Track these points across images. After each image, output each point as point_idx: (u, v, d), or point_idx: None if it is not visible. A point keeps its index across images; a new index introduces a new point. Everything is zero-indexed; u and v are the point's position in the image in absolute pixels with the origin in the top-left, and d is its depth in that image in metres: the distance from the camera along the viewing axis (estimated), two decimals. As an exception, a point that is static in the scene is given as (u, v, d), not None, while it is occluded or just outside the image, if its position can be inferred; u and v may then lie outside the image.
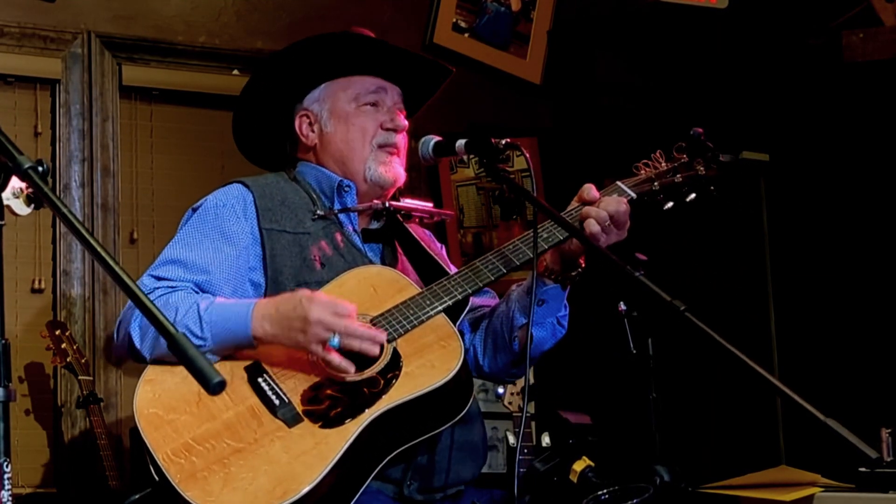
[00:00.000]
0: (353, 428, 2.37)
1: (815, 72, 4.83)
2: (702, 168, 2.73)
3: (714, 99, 5.06)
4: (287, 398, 2.43)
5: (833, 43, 4.62)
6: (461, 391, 2.49)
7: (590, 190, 2.67)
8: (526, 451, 3.88)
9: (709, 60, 5.14)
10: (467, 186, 5.17)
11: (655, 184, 2.71)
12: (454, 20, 5.14)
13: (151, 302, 1.65)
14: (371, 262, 2.70)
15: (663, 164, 2.76)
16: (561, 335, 2.75)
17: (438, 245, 2.96)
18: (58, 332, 4.11)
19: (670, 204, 2.74)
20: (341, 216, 2.74)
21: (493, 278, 2.60)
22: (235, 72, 4.79)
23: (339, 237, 2.70)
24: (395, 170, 2.76)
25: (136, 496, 2.53)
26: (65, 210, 1.73)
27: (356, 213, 2.75)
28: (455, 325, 2.54)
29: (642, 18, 5.14)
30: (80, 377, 4.08)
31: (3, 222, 1.92)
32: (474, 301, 2.77)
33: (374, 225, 2.81)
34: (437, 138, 2.74)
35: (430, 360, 2.46)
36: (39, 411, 4.33)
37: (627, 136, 5.17)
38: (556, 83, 5.33)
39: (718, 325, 2.12)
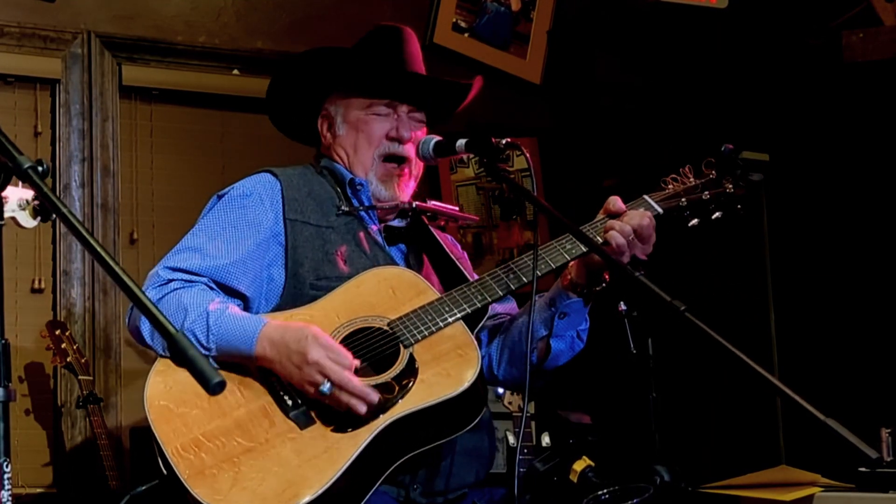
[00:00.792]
0: (365, 434, 2.36)
1: (815, 72, 4.83)
2: (730, 186, 2.70)
3: (714, 99, 5.06)
4: (300, 399, 2.42)
5: (833, 43, 4.62)
6: (475, 401, 2.47)
7: (615, 202, 2.64)
8: (526, 450, 3.88)
9: (709, 60, 5.14)
10: (467, 186, 5.17)
11: (683, 199, 2.68)
12: (454, 20, 5.14)
13: (152, 302, 1.65)
14: (392, 262, 2.68)
15: (692, 180, 2.71)
16: (579, 349, 2.73)
17: (460, 251, 2.94)
18: (58, 332, 4.11)
19: (695, 221, 2.71)
20: (364, 214, 2.72)
21: (512, 288, 2.58)
22: (235, 72, 4.79)
23: (362, 234, 2.68)
24: (395, 189, 2.74)
25: (143, 487, 2.53)
26: (65, 210, 1.72)
27: (376, 212, 2.74)
28: (473, 333, 2.52)
29: (642, 18, 5.14)
30: (80, 377, 4.08)
31: (2, 222, 1.92)
32: (495, 308, 2.76)
33: (398, 223, 2.79)
34: (438, 138, 2.74)
35: (447, 369, 2.44)
36: (39, 411, 4.33)
37: (627, 137, 5.17)
38: (555, 83, 5.33)
39: (718, 325, 2.12)
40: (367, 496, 2.38)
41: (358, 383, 2.36)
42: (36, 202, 2.43)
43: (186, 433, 2.38)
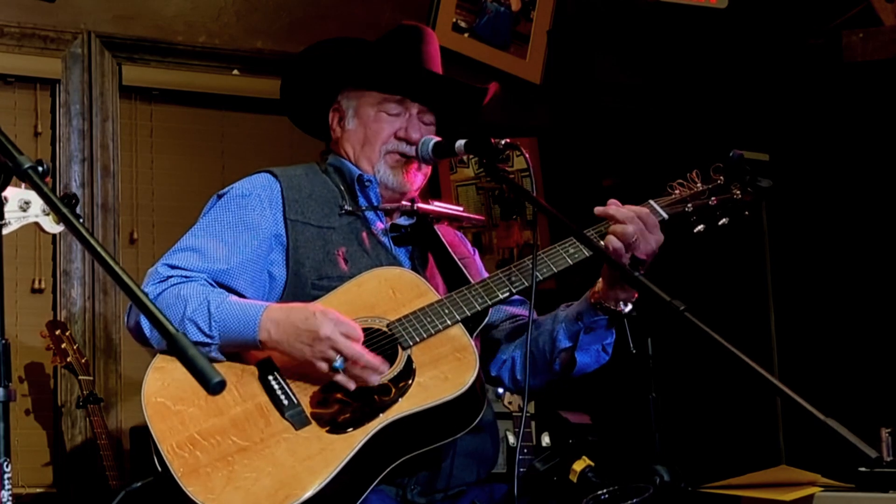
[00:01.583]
0: (360, 436, 2.36)
1: (815, 72, 4.83)
2: (738, 192, 2.65)
3: (714, 99, 5.06)
4: (296, 399, 2.42)
5: (833, 43, 4.62)
6: (473, 404, 2.46)
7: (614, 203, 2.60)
8: (526, 450, 3.89)
9: (709, 60, 5.14)
10: (467, 186, 5.17)
11: (689, 205, 2.64)
12: (454, 20, 5.14)
13: (152, 302, 1.65)
14: (394, 262, 2.66)
15: (699, 185, 2.67)
16: (605, 361, 2.70)
17: (471, 249, 2.93)
18: (58, 332, 4.11)
19: (701, 227, 2.66)
20: (369, 213, 2.72)
21: (513, 291, 2.57)
22: (235, 72, 4.79)
23: (364, 235, 2.67)
24: (405, 176, 2.72)
25: (138, 483, 2.53)
26: (65, 210, 1.72)
27: (382, 211, 2.73)
28: (472, 335, 2.51)
29: (642, 18, 5.15)
30: (80, 377, 4.08)
31: (3, 222, 1.92)
32: (512, 310, 2.75)
33: (403, 222, 2.77)
34: (437, 139, 2.73)
35: (444, 372, 2.43)
36: (39, 411, 4.33)
37: (627, 137, 5.17)
38: (555, 83, 5.33)
39: (718, 325, 2.12)
40: (362, 498, 2.37)
41: (369, 357, 2.36)
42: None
43: (182, 431, 2.37)
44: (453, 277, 2.69)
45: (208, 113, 4.79)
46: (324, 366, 2.37)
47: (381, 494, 2.45)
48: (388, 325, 2.49)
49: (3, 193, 1.85)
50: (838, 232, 4.82)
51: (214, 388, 1.58)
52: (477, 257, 2.92)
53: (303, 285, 2.57)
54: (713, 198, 2.66)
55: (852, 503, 3.03)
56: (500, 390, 4.07)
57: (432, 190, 4.98)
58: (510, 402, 4.09)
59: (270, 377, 2.44)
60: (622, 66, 5.34)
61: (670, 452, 3.85)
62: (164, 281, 2.53)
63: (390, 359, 2.46)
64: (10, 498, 1.81)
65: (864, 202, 4.77)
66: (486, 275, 2.74)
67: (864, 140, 4.77)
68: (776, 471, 3.38)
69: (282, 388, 2.43)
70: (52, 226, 2.93)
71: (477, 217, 3.16)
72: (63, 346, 4.08)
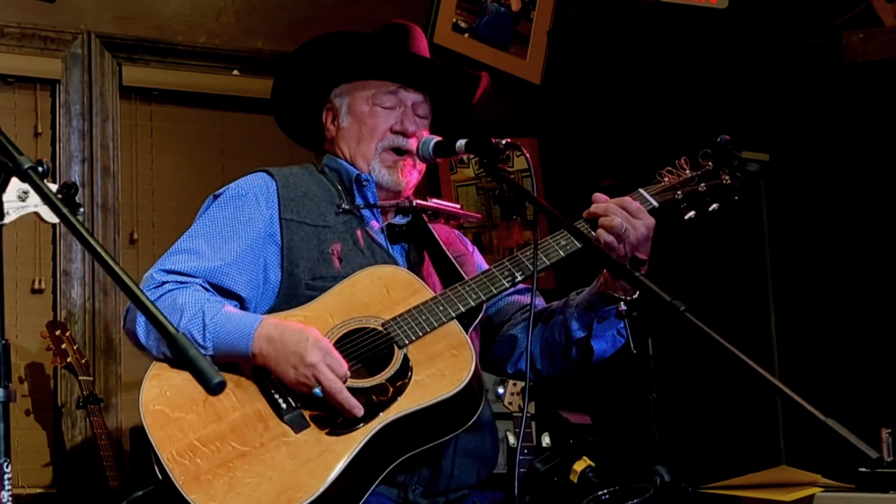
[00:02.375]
0: (359, 437, 2.36)
1: (815, 72, 4.83)
2: (727, 177, 2.66)
3: (714, 99, 5.06)
4: (294, 402, 2.42)
5: (833, 43, 4.62)
6: (471, 400, 2.46)
7: (599, 196, 2.60)
8: (526, 451, 3.88)
9: (709, 61, 5.14)
10: (467, 186, 5.17)
11: (679, 192, 2.64)
12: (454, 20, 5.14)
13: (152, 303, 1.65)
14: (390, 260, 2.66)
15: (687, 172, 2.67)
16: (621, 344, 2.70)
17: (470, 246, 2.92)
18: (58, 333, 4.11)
19: (692, 213, 2.66)
20: (365, 212, 2.71)
21: (508, 285, 2.56)
22: (235, 72, 4.79)
23: (360, 233, 2.66)
24: (400, 174, 2.72)
25: (140, 493, 2.53)
26: (65, 210, 1.72)
27: (380, 210, 2.73)
28: (468, 331, 2.51)
29: (642, 19, 5.14)
30: (80, 377, 4.08)
31: (3, 222, 1.92)
32: (521, 300, 2.74)
33: (399, 221, 2.77)
34: (437, 138, 2.73)
35: (441, 370, 2.43)
36: (40, 412, 4.33)
37: (627, 137, 5.17)
38: (555, 83, 5.33)
39: (718, 325, 2.12)
40: (364, 498, 2.37)
41: (346, 396, 2.36)
42: (59, 195, 2.44)
43: (182, 438, 2.37)
44: (449, 275, 2.69)
45: (208, 113, 4.79)
46: (304, 390, 2.38)
47: (382, 497, 2.45)
48: (383, 325, 2.49)
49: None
50: (838, 232, 4.82)
51: (215, 388, 1.58)
52: (476, 254, 2.92)
53: (297, 285, 2.57)
54: (702, 184, 2.66)
55: (852, 503, 3.03)
56: (501, 390, 4.07)
57: (433, 190, 4.98)
58: (510, 403, 4.09)
59: (268, 381, 2.44)
60: (622, 66, 5.34)
61: (670, 452, 3.84)
62: (160, 286, 2.52)
63: (386, 358, 2.46)
64: (10, 498, 1.81)
65: (865, 202, 4.77)
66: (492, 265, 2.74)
67: (864, 140, 4.76)
68: (776, 471, 3.38)
69: (279, 391, 2.43)
70: (51, 215, 2.93)
71: (474, 215, 3.16)
72: (63, 346, 4.08)
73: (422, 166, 2.78)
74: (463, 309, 2.51)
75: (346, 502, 2.35)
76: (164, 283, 2.53)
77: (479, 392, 2.49)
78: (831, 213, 4.84)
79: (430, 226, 2.78)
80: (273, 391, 2.43)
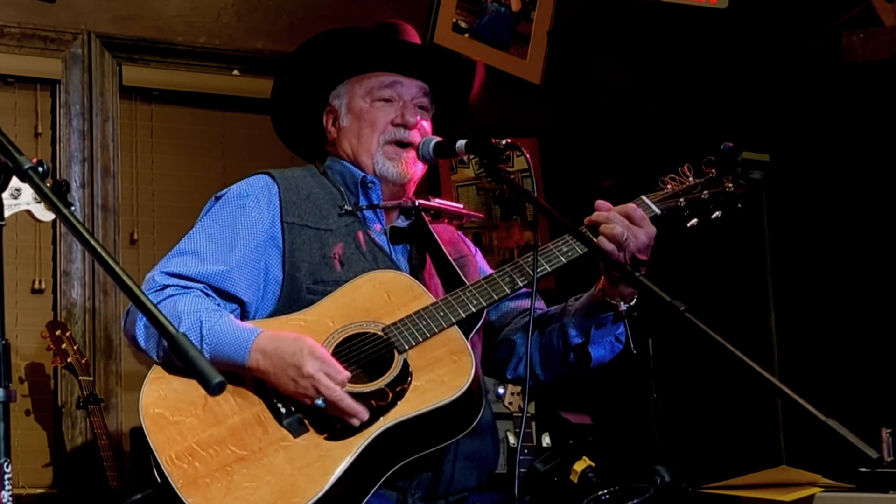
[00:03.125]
0: (358, 441, 2.36)
1: (815, 72, 4.83)
2: (730, 185, 2.65)
3: (714, 99, 5.06)
4: (293, 407, 2.41)
5: (833, 43, 4.62)
6: (470, 406, 2.45)
7: (602, 204, 2.59)
8: (526, 451, 3.88)
9: (709, 61, 5.14)
10: (467, 187, 5.17)
11: (681, 199, 2.63)
12: (454, 20, 5.14)
13: (152, 303, 1.65)
14: (392, 264, 2.65)
15: (690, 179, 2.67)
16: (619, 349, 2.70)
17: (473, 248, 2.92)
18: (58, 333, 4.11)
19: (694, 221, 2.66)
20: (368, 214, 2.70)
21: (508, 291, 2.56)
22: (236, 72, 4.79)
23: (362, 236, 2.65)
24: (404, 166, 2.70)
25: (138, 496, 2.53)
26: (65, 211, 1.72)
27: (384, 211, 2.72)
28: (468, 337, 2.50)
29: (642, 18, 5.14)
30: (80, 378, 4.08)
31: (3, 222, 1.92)
32: (520, 304, 2.74)
33: (402, 223, 2.76)
34: (438, 139, 2.73)
35: (440, 375, 2.42)
36: (40, 412, 4.33)
37: (627, 137, 5.17)
38: (556, 83, 5.33)
39: (718, 325, 2.12)
40: (363, 502, 2.37)
41: (349, 402, 2.36)
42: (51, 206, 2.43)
43: (181, 442, 2.37)
44: (450, 278, 2.68)
45: (208, 113, 4.79)
46: (307, 402, 2.38)
47: (383, 499, 2.45)
48: (383, 329, 2.48)
49: None
50: (838, 232, 4.82)
51: (215, 388, 1.58)
52: (479, 256, 2.91)
53: (298, 289, 2.56)
54: (705, 191, 2.65)
55: (853, 503, 3.03)
56: (501, 391, 4.07)
57: (433, 191, 4.98)
58: (510, 403, 4.09)
59: (267, 386, 2.44)
60: (622, 66, 5.34)
61: (671, 453, 3.84)
62: (162, 290, 2.52)
63: (386, 363, 2.45)
64: (11, 498, 1.81)
65: (865, 202, 4.77)
66: (488, 272, 2.73)
67: (864, 140, 4.76)
68: (776, 471, 3.37)
69: (279, 396, 2.43)
70: (43, 213, 2.91)
71: (477, 214, 3.16)
72: (63, 346, 4.08)
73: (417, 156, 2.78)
74: (463, 314, 2.51)
75: None
76: (166, 286, 2.53)
77: (478, 398, 2.48)
78: (831, 212, 4.84)
79: (431, 228, 2.77)
80: (272, 396, 2.43)
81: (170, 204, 4.63)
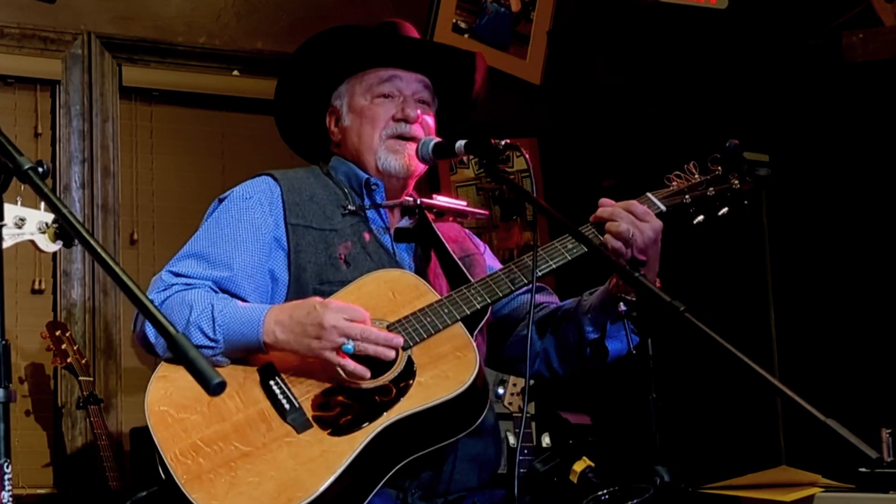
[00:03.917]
0: (361, 437, 2.36)
1: (815, 72, 4.83)
2: (736, 181, 2.66)
3: (714, 99, 5.06)
4: (297, 403, 2.42)
5: (833, 43, 4.62)
6: (475, 403, 2.46)
7: (606, 202, 2.60)
8: (526, 451, 3.88)
9: (709, 61, 5.14)
10: (467, 187, 5.17)
11: (687, 196, 2.65)
12: (454, 21, 5.14)
13: (152, 303, 1.65)
14: (396, 263, 2.66)
15: (696, 177, 2.68)
16: (636, 342, 2.70)
17: (482, 247, 2.92)
18: (58, 333, 4.11)
19: (700, 218, 2.67)
20: (372, 213, 2.71)
21: (513, 288, 2.57)
22: (236, 72, 4.79)
23: (367, 236, 2.66)
24: (406, 158, 2.70)
25: (143, 493, 2.54)
26: (65, 211, 1.73)
27: (387, 211, 2.72)
28: (473, 334, 2.51)
29: (642, 18, 5.14)
30: (80, 378, 4.09)
31: (3, 223, 1.92)
32: (536, 299, 2.73)
33: (406, 223, 2.77)
34: (437, 139, 2.73)
35: (445, 371, 2.43)
36: (40, 412, 4.33)
37: (627, 137, 5.17)
38: (555, 84, 5.33)
39: (718, 325, 2.12)
40: (367, 501, 2.37)
41: (379, 332, 2.38)
42: (56, 226, 2.41)
43: (185, 438, 2.38)
44: (455, 276, 2.69)
45: (208, 114, 4.79)
46: (334, 356, 2.37)
47: (383, 497, 2.45)
48: (388, 327, 2.49)
49: None
50: (838, 232, 4.82)
51: (214, 388, 1.58)
52: (488, 253, 2.92)
53: (304, 290, 2.57)
54: (711, 188, 2.67)
55: (853, 503, 3.03)
56: (500, 391, 4.06)
57: (432, 191, 4.98)
58: (510, 403, 4.09)
59: (272, 382, 2.45)
60: (622, 66, 5.34)
61: (671, 453, 3.84)
62: (168, 288, 2.54)
63: (391, 360, 2.46)
64: (11, 499, 1.81)
65: (865, 202, 4.77)
66: (498, 268, 2.74)
67: (864, 140, 4.76)
68: (776, 471, 3.38)
69: (283, 392, 2.43)
70: (47, 244, 2.91)
71: (481, 211, 3.16)
72: (63, 346, 4.08)
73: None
74: (468, 311, 2.51)
75: (348, 502, 2.35)
76: (173, 284, 2.55)
77: (483, 394, 2.49)
78: (831, 212, 4.84)
79: (435, 226, 2.77)
80: (277, 392, 2.44)
81: (170, 204, 4.64)
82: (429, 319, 2.49)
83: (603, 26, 5.28)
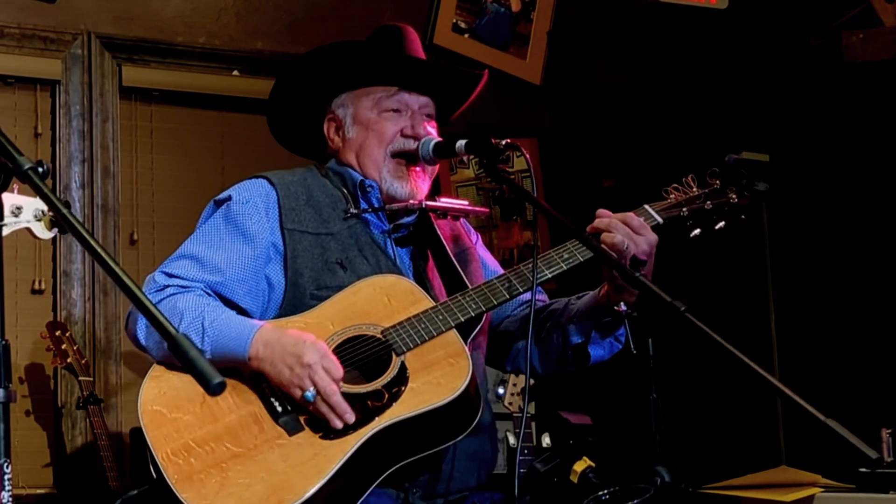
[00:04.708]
0: (352, 441, 2.37)
1: (815, 72, 4.83)
2: (734, 196, 2.67)
3: (714, 99, 5.06)
4: (289, 405, 2.42)
5: (833, 43, 4.62)
6: (467, 409, 2.46)
7: (602, 214, 2.60)
8: (526, 451, 3.88)
9: (709, 61, 5.14)
10: (467, 187, 5.17)
11: (684, 209, 2.65)
12: (454, 21, 5.14)
13: (152, 303, 1.65)
14: (395, 266, 2.66)
15: (694, 190, 2.68)
16: (618, 349, 2.72)
17: (474, 238, 2.92)
18: (58, 333, 4.11)
19: (697, 231, 2.67)
20: (370, 216, 2.70)
21: (508, 297, 2.57)
22: (235, 72, 4.79)
23: (364, 240, 2.66)
24: (412, 185, 2.70)
25: (134, 492, 2.55)
26: (65, 211, 1.72)
27: (385, 213, 2.71)
28: (467, 341, 2.51)
29: (642, 18, 5.14)
30: (80, 378, 4.08)
31: (3, 223, 1.92)
32: (523, 296, 2.72)
33: (406, 224, 2.76)
34: (438, 139, 2.72)
35: (437, 378, 2.44)
36: (40, 412, 4.33)
37: (627, 137, 5.17)
38: (555, 84, 5.33)
39: (718, 326, 2.12)
40: (358, 503, 2.38)
41: (339, 399, 2.37)
42: (52, 213, 2.41)
43: (177, 438, 2.39)
44: (452, 279, 2.69)
45: (208, 114, 4.79)
46: (297, 392, 2.38)
47: (383, 497, 2.46)
48: (382, 332, 2.49)
49: None
50: (839, 232, 4.82)
51: (215, 388, 1.58)
52: (479, 245, 2.91)
53: (302, 295, 2.57)
54: (709, 202, 2.67)
55: (853, 503, 3.03)
56: (501, 391, 4.06)
57: (432, 191, 4.98)
58: (510, 403, 4.09)
59: (264, 384, 2.45)
60: (622, 66, 5.34)
61: (671, 453, 3.84)
62: (162, 290, 2.54)
63: (384, 365, 2.46)
64: (11, 499, 1.81)
65: (865, 202, 4.77)
66: (490, 261, 2.77)
67: (864, 140, 4.76)
68: (776, 471, 3.37)
69: (275, 394, 2.44)
70: (43, 232, 2.91)
71: (482, 210, 3.16)
72: (63, 346, 4.08)
73: (433, 170, 2.77)
74: (462, 319, 2.52)
75: None
76: (166, 286, 2.54)
77: (476, 401, 2.49)
78: (831, 212, 4.84)
79: (436, 226, 2.77)
80: (270, 395, 2.44)
81: (170, 204, 4.64)
82: (423, 325, 2.49)
83: (603, 26, 5.28)
